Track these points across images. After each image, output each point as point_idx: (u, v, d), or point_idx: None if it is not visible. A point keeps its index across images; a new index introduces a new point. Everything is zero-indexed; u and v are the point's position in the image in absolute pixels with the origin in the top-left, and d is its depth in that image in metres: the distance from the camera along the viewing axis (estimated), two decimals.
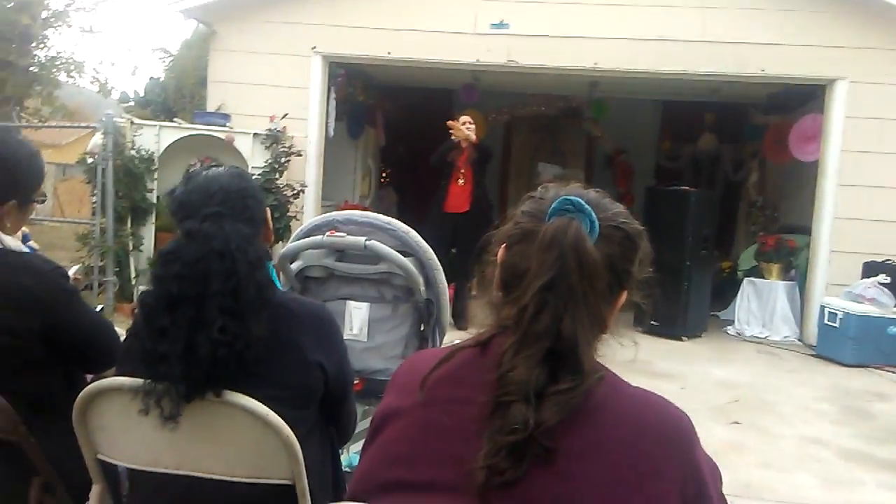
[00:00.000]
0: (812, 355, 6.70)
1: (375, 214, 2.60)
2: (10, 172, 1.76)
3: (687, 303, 7.04)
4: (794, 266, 7.49)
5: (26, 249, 1.83)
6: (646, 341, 6.86)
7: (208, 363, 1.44)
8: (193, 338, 1.45)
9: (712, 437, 4.35)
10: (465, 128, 6.64)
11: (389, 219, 2.52)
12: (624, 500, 0.94)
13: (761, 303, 7.44)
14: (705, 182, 10.43)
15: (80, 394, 1.54)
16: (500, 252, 1.12)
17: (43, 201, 1.92)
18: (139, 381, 1.48)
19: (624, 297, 1.12)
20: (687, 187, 7.70)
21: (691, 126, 10.22)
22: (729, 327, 7.60)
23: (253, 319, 1.49)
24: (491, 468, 0.93)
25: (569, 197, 1.04)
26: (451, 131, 6.66)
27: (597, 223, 1.03)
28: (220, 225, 1.52)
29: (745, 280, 7.61)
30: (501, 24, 7.23)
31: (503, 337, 1.02)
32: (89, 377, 1.88)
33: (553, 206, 1.04)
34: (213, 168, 1.66)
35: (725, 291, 8.22)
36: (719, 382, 5.63)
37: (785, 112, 8.36)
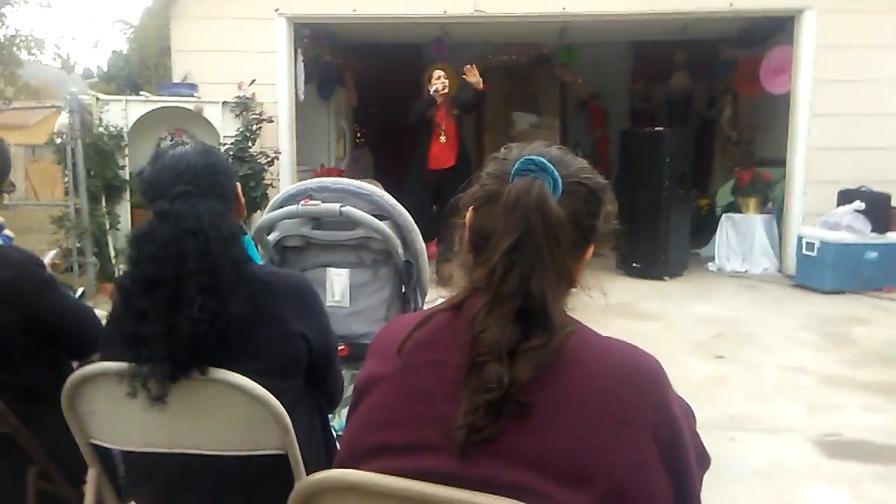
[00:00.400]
0: (792, 285, 6.82)
1: (349, 180, 2.60)
2: None
3: (667, 243, 7.11)
4: (771, 199, 7.57)
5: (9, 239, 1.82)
6: (628, 283, 6.96)
7: (190, 342, 1.46)
8: (173, 318, 1.46)
9: (696, 373, 4.46)
10: (437, 82, 6.62)
11: (363, 183, 2.53)
12: (600, 447, 0.97)
13: (740, 237, 7.53)
14: (680, 121, 10.43)
15: (67, 381, 1.56)
16: (469, 214, 1.13)
17: (12, 191, 1.91)
18: (124, 364, 1.49)
19: (591, 251, 1.14)
20: (661, 128, 7.71)
21: (663, 66, 10.18)
22: (710, 264, 7.70)
23: (231, 295, 1.50)
24: (470, 426, 0.96)
25: (531, 157, 1.05)
26: (429, 87, 6.64)
27: (559, 181, 1.05)
28: (191, 203, 1.52)
29: (724, 216, 7.68)
30: None
31: (475, 298, 1.04)
32: (75, 364, 1.89)
33: (516, 166, 1.05)
34: (180, 146, 1.65)
35: (705, 228, 8.31)
36: (702, 319, 5.73)
37: (755, 46, 8.35)
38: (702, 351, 4.92)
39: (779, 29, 7.50)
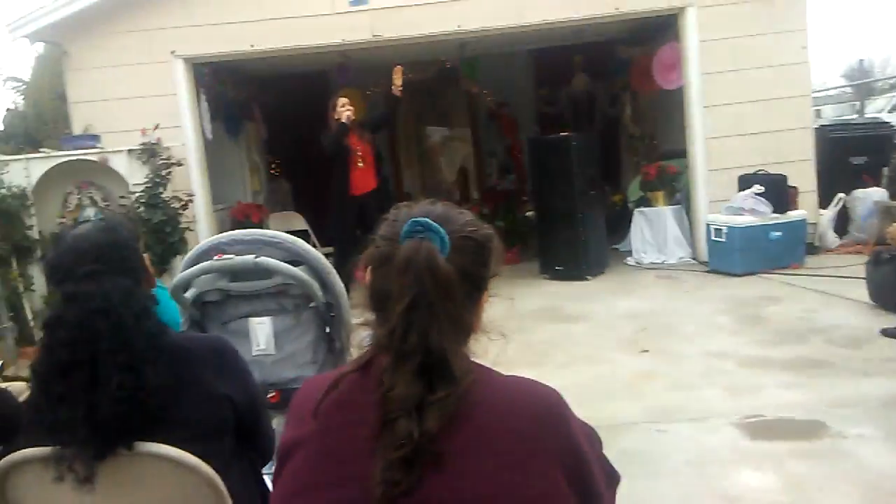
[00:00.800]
0: (706, 272, 7.10)
1: (261, 230, 2.62)
2: None
3: (585, 243, 7.30)
4: (678, 190, 7.87)
5: None
6: (553, 287, 7.13)
7: (112, 420, 1.47)
8: (93, 399, 1.47)
9: (624, 369, 4.62)
10: (343, 110, 6.67)
11: (275, 232, 2.56)
12: (511, 484, 1.04)
13: (654, 230, 7.81)
14: (585, 121, 10.73)
15: None
16: (367, 275, 1.19)
17: None
18: (48, 449, 1.49)
19: (486, 297, 1.21)
20: (566, 133, 7.92)
21: (563, 70, 10.47)
22: (629, 258, 7.95)
23: (149, 369, 1.52)
24: (387, 482, 1.02)
25: (417, 218, 1.12)
26: (335, 115, 6.68)
27: (446, 238, 1.12)
28: (99, 282, 1.54)
29: (636, 211, 7.95)
30: (360, 1, 7.20)
31: (381, 357, 1.10)
32: None
33: (404, 229, 1.12)
34: (82, 225, 1.66)
35: (621, 224, 8.57)
36: (625, 314, 5.92)
37: (647, 43, 8.68)
38: (628, 346, 5.08)
39: (667, 26, 7.82)
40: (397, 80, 6.80)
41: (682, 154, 7.81)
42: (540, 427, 1.09)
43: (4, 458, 1.57)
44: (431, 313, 1.06)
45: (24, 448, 1.59)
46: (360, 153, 6.88)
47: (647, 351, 4.94)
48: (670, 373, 4.49)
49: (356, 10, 7.18)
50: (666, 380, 4.39)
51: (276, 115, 10.22)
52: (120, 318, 1.51)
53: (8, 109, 9.75)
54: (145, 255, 1.75)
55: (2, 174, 6.51)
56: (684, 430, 3.63)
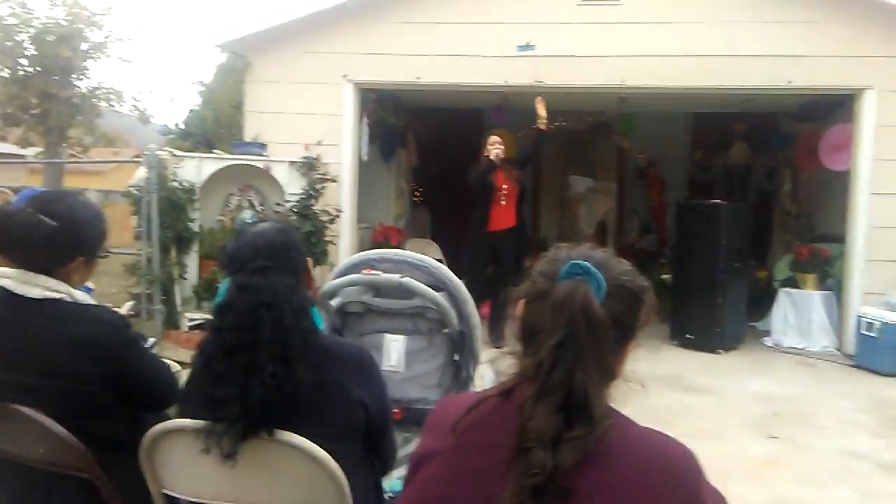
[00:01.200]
0: (851, 366, 6.68)
1: (409, 252, 2.74)
2: (77, 233, 1.94)
3: (722, 315, 7.06)
4: (830, 275, 7.47)
5: (93, 301, 1.99)
6: (681, 355, 6.92)
7: (261, 405, 1.59)
8: (248, 382, 1.60)
9: (749, 452, 4.42)
10: (493, 148, 6.82)
11: (422, 256, 2.67)
12: None
13: (798, 313, 7.43)
14: (738, 192, 10.41)
15: (147, 433, 1.70)
16: (520, 307, 1.25)
17: (106, 256, 2.09)
18: (200, 422, 1.64)
19: (632, 346, 1.24)
20: (718, 200, 7.72)
21: (722, 136, 10.22)
22: (766, 338, 7.59)
23: (299, 364, 1.64)
24: None
25: (577, 261, 1.17)
26: (487, 153, 6.82)
27: (603, 284, 1.16)
28: (268, 278, 1.67)
29: (781, 291, 7.60)
30: (527, 46, 7.37)
31: (524, 387, 1.15)
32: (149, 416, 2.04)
33: (563, 269, 1.17)
34: (261, 223, 1.82)
35: (762, 302, 8.21)
36: (756, 395, 5.66)
37: (815, 120, 8.36)
38: (755, 429, 4.86)
39: (840, 104, 7.51)
40: (541, 110, 6.82)
41: (838, 238, 7.43)
42: (670, 482, 1.10)
43: (160, 425, 1.73)
44: (580, 353, 1.10)
45: (179, 418, 1.76)
46: (504, 191, 6.96)
47: (776, 437, 4.70)
48: (799, 464, 4.25)
49: (523, 55, 7.35)
50: (793, 471, 4.16)
51: (427, 146, 10.58)
52: (282, 312, 1.64)
53: (191, 110, 10.60)
54: (309, 260, 1.88)
55: (176, 168, 7.07)
56: None
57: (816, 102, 8.08)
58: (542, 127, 6.90)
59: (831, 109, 7.87)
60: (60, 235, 1.88)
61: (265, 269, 1.69)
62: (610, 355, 1.15)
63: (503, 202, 6.98)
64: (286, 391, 1.61)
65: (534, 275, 1.25)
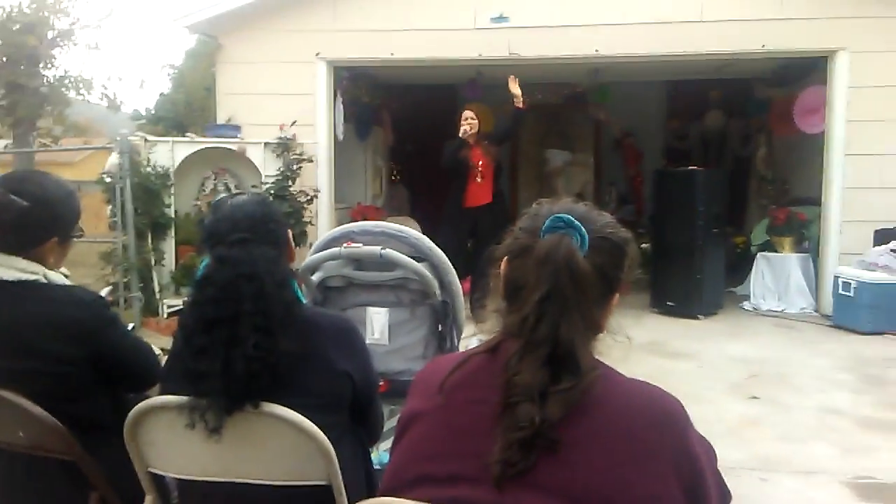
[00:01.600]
0: (829, 326, 6.77)
1: (389, 224, 2.72)
2: (50, 212, 1.90)
3: (701, 282, 7.12)
4: (807, 238, 7.55)
5: (69, 282, 1.96)
6: (662, 322, 6.98)
7: (245, 378, 1.57)
8: (230, 355, 1.58)
9: (730, 413, 4.47)
10: (465, 124, 6.73)
11: (402, 227, 2.65)
12: (623, 481, 1.06)
13: (776, 276, 7.51)
14: (714, 159, 10.48)
15: (131, 412, 1.68)
16: (503, 265, 1.24)
17: (80, 235, 2.06)
18: (184, 398, 1.62)
19: (616, 299, 1.24)
20: (694, 167, 7.78)
21: (697, 104, 10.27)
22: (745, 303, 7.67)
23: (282, 335, 1.62)
24: (505, 461, 1.06)
25: (559, 215, 1.16)
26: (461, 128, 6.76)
27: (586, 237, 1.15)
28: (248, 250, 1.65)
29: (759, 255, 7.67)
30: (501, 18, 7.33)
31: (509, 343, 1.14)
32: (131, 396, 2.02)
33: (546, 223, 1.16)
34: (238, 196, 1.79)
35: (740, 267, 8.29)
36: (736, 358, 5.72)
37: (790, 85, 8.40)
38: (736, 391, 4.91)
39: (813, 68, 7.55)
40: (514, 89, 6.70)
41: (814, 201, 7.50)
42: (659, 431, 1.11)
43: (143, 402, 1.71)
44: (564, 306, 1.09)
45: (162, 395, 1.74)
46: (480, 167, 6.88)
47: (756, 398, 4.76)
48: (779, 423, 4.32)
49: (496, 27, 7.30)
50: (774, 429, 4.22)
51: (402, 124, 10.52)
52: (263, 284, 1.62)
53: (161, 94, 10.45)
54: (289, 231, 1.86)
55: (149, 153, 6.98)
56: (788, 483, 3.48)
57: (790, 66, 8.12)
58: (519, 105, 6.84)
59: (805, 74, 7.90)
60: (32, 215, 1.84)
61: (245, 242, 1.67)
62: (595, 308, 1.15)
63: (479, 179, 6.90)
64: (269, 363, 1.59)
65: (516, 231, 1.24)
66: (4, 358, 1.79)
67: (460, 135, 6.73)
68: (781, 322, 7.03)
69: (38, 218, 1.87)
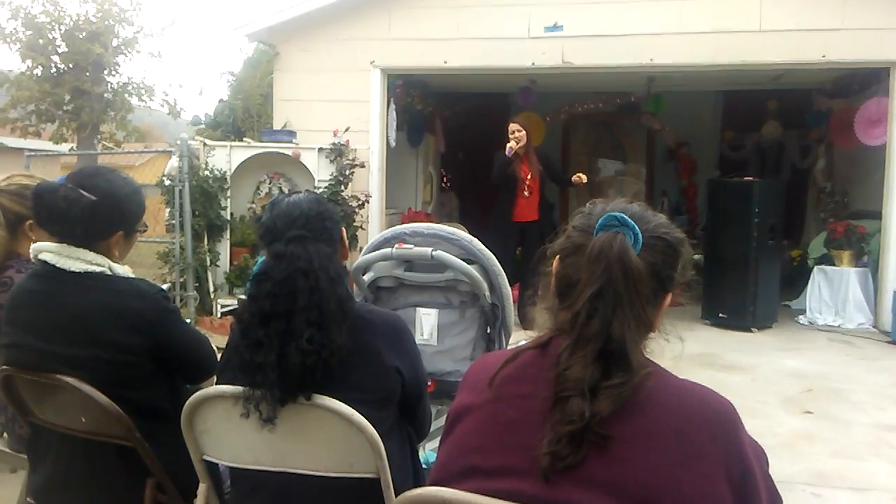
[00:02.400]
0: (887, 342, 6.56)
1: (441, 226, 2.75)
2: (117, 207, 1.97)
3: (755, 294, 6.98)
4: (866, 252, 7.35)
5: (133, 275, 2.03)
6: (714, 334, 6.87)
7: (299, 370, 1.62)
8: (285, 348, 1.63)
9: (783, 427, 4.38)
10: (512, 137, 6.53)
11: (454, 229, 2.67)
12: (673, 479, 1.06)
13: (833, 290, 7.33)
14: (771, 170, 10.28)
15: (188, 401, 1.74)
16: (555, 263, 1.25)
17: (144, 230, 2.13)
18: (239, 388, 1.67)
19: (669, 299, 1.24)
20: (750, 177, 7.63)
21: (754, 114, 10.08)
22: (801, 317, 7.50)
23: (335, 330, 1.66)
24: (554, 454, 1.07)
25: (613, 213, 1.17)
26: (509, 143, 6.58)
27: (640, 235, 1.16)
28: (304, 246, 1.70)
29: (816, 268, 7.50)
30: (555, 27, 7.32)
31: (560, 339, 1.16)
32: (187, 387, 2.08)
33: (600, 221, 1.17)
34: (294, 194, 1.84)
35: (796, 280, 8.11)
36: (791, 372, 5.59)
37: (850, 95, 8.20)
38: (790, 405, 4.81)
39: (874, 79, 7.36)
40: (580, 180, 6.75)
41: (874, 215, 7.30)
42: (710, 432, 1.10)
43: (199, 392, 1.76)
44: (617, 303, 1.10)
45: (218, 385, 1.79)
46: (528, 181, 6.70)
47: (810, 412, 4.65)
48: (834, 438, 4.21)
49: (550, 36, 7.30)
50: (828, 445, 4.11)
51: (454, 131, 10.57)
52: (318, 280, 1.66)
53: (220, 100, 10.70)
54: (343, 229, 1.90)
55: (207, 157, 7.15)
56: (843, 499, 3.40)
57: (850, 77, 7.93)
58: (575, 182, 6.77)
59: (866, 84, 7.71)
60: (100, 209, 1.91)
61: (301, 238, 1.71)
62: (647, 306, 1.15)
63: (526, 193, 6.71)
64: (322, 356, 1.63)
65: (569, 230, 1.26)
66: (70, 346, 1.86)
67: (507, 151, 6.52)
68: (838, 337, 6.85)
69: (106, 212, 1.94)
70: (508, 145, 6.53)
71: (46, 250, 1.93)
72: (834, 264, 7.40)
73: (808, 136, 9.70)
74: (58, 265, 1.91)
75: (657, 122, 10.20)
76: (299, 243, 1.69)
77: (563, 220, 10.97)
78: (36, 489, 2.05)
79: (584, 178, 6.76)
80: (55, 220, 1.91)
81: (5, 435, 2.65)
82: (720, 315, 7.15)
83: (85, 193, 1.89)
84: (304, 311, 1.64)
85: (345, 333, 1.67)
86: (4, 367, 1.95)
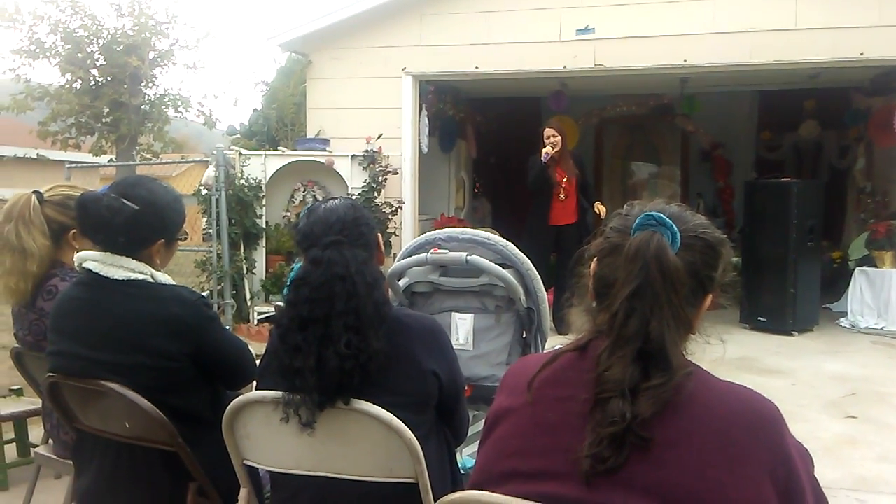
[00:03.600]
0: None
1: (475, 230, 2.75)
2: (159, 216, 2.01)
3: (795, 297, 6.87)
4: None
5: (173, 282, 2.06)
6: (753, 338, 6.77)
7: (337, 375, 1.63)
8: (323, 353, 1.64)
9: (826, 432, 4.30)
10: (548, 142, 6.54)
11: (488, 234, 2.68)
12: (717, 482, 1.05)
13: (875, 293, 7.18)
14: (809, 171, 10.11)
15: (228, 406, 1.76)
16: (593, 265, 1.25)
17: (185, 238, 2.17)
18: (279, 393, 1.68)
19: (709, 300, 1.23)
20: (788, 178, 7.52)
21: (791, 114, 9.91)
22: (842, 319, 7.36)
23: (372, 334, 1.67)
24: (595, 456, 1.06)
25: (651, 213, 1.16)
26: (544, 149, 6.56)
27: (678, 234, 1.15)
28: (340, 252, 1.71)
29: (857, 270, 7.36)
30: (587, 30, 7.29)
31: (599, 341, 1.15)
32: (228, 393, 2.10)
33: (637, 221, 1.16)
34: (330, 200, 1.85)
35: (837, 282, 7.97)
36: (832, 376, 5.50)
37: (889, 93, 8.04)
38: (832, 409, 4.72)
39: None
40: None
41: None
42: (755, 434, 1.09)
43: (240, 397, 1.78)
44: (655, 302, 1.09)
45: (258, 391, 1.81)
46: (563, 185, 6.70)
47: (853, 417, 4.56)
48: (878, 443, 4.12)
49: (581, 39, 7.26)
50: (872, 449, 4.03)
51: (486, 136, 10.57)
52: (355, 285, 1.67)
53: (254, 110, 10.83)
54: (378, 235, 1.91)
55: (243, 166, 7.24)
56: None
57: (889, 74, 7.77)
58: (596, 209, 6.76)
59: None
60: (142, 218, 1.95)
61: (338, 244, 1.72)
62: (686, 306, 1.14)
63: (562, 196, 6.71)
64: (360, 361, 1.64)
65: (606, 231, 1.25)
66: (114, 352, 1.90)
67: (542, 157, 6.51)
68: (881, 340, 6.71)
69: (147, 221, 1.97)
70: (544, 151, 6.51)
71: (90, 259, 1.97)
72: (875, 266, 7.26)
73: (847, 135, 9.51)
74: (101, 273, 1.95)
75: (691, 123, 10.10)
76: (336, 248, 1.71)
77: (597, 223, 10.95)
78: (81, 494, 2.09)
79: (604, 210, 6.73)
80: (98, 229, 1.96)
81: (50, 441, 2.71)
82: (759, 319, 7.05)
83: (127, 203, 1.93)
84: (342, 316, 1.65)
85: (382, 338, 1.68)
86: (50, 374, 2.00)
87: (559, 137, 6.61)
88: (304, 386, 1.64)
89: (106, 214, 1.92)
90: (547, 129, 6.70)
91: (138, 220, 1.94)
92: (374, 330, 1.67)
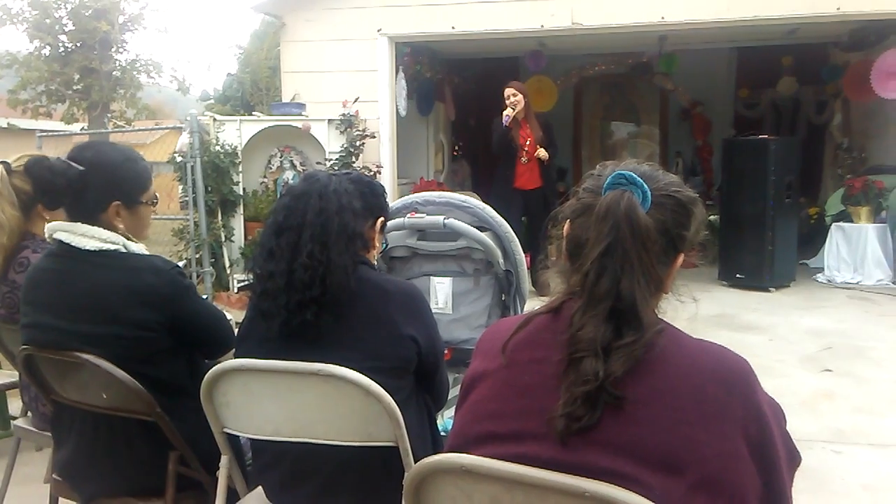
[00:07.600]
0: None
1: (452, 194, 2.74)
2: (106, 176, 1.95)
3: (772, 253, 6.94)
4: (885, 208, 7.26)
5: (147, 252, 2.03)
6: (731, 295, 6.85)
7: (305, 288, 1.68)
8: (293, 263, 1.70)
9: (803, 386, 4.37)
10: (508, 102, 6.42)
11: (465, 196, 2.66)
12: (690, 439, 1.06)
13: (851, 247, 7.27)
14: (787, 128, 10.15)
15: (207, 374, 1.75)
16: (566, 226, 1.24)
17: (156, 203, 2.12)
18: (258, 361, 1.69)
19: (681, 259, 1.23)
20: (765, 135, 7.54)
21: (769, 71, 9.91)
22: (819, 275, 7.46)
23: (335, 250, 1.71)
24: (569, 416, 1.07)
25: (622, 171, 1.15)
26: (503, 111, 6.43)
27: (649, 193, 1.14)
28: (330, 178, 1.80)
29: (834, 225, 7.44)
30: None
31: (572, 302, 1.15)
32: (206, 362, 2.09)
33: (608, 180, 1.16)
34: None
35: (814, 238, 8.06)
36: (809, 331, 5.58)
37: (867, 48, 8.05)
38: (809, 364, 4.80)
39: (891, 30, 7.21)
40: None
41: (893, 170, 7.22)
42: (726, 391, 1.10)
43: (218, 365, 1.77)
44: (626, 261, 1.09)
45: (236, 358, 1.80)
46: (527, 148, 6.58)
47: (829, 370, 4.64)
48: (853, 395, 4.20)
49: None
50: (848, 402, 4.11)
51: (464, 98, 10.48)
52: (327, 202, 1.74)
53: (228, 74, 10.66)
54: (380, 220, 1.98)
55: (218, 133, 7.14)
56: (863, 455, 3.40)
57: (866, 29, 7.77)
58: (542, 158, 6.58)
59: (882, 36, 7.57)
60: (88, 179, 1.91)
61: (334, 175, 1.84)
62: (657, 265, 1.14)
63: (524, 160, 6.59)
64: (318, 272, 1.68)
65: (579, 192, 1.24)
66: (88, 323, 1.88)
67: (503, 120, 6.39)
68: (857, 294, 6.81)
69: (95, 182, 1.92)
70: (505, 113, 6.40)
71: (61, 229, 1.93)
72: (852, 221, 7.34)
73: (824, 91, 9.54)
74: (73, 244, 1.91)
75: (670, 82, 10.07)
76: (327, 175, 1.83)
77: (575, 183, 10.93)
78: (61, 466, 2.08)
79: (545, 155, 6.59)
80: (45, 191, 1.92)
81: (29, 414, 2.70)
82: (737, 275, 7.13)
83: (72, 163, 1.89)
84: (310, 227, 1.71)
85: (348, 262, 1.72)
86: (25, 346, 1.97)
87: (520, 97, 6.46)
88: (275, 288, 1.69)
89: (48, 176, 1.88)
90: (507, 89, 6.54)
91: (86, 181, 1.90)
92: (339, 251, 1.71)
